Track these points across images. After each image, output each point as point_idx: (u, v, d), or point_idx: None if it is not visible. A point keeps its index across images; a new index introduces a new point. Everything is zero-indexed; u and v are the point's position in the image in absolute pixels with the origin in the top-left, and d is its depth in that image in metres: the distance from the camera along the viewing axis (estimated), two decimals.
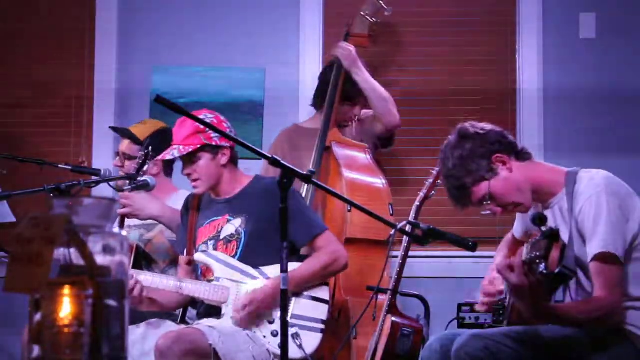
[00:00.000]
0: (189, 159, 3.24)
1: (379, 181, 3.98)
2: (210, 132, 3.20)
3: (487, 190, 2.77)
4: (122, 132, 3.99)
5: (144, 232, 3.78)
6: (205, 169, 3.25)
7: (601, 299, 2.63)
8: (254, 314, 3.14)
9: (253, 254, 3.23)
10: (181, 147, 3.21)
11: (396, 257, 3.66)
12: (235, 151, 3.32)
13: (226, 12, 4.72)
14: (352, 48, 4.12)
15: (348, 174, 3.93)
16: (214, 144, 3.24)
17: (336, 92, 4.09)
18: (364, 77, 4.11)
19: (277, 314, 3.18)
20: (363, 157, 4.07)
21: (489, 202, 2.79)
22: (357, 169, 3.99)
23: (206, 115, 3.26)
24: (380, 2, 4.16)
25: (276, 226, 3.14)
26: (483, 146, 2.78)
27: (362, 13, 4.18)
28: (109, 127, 4.20)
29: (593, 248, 2.65)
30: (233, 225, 3.28)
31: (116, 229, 1.64)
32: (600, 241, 2.63)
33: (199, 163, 3.24)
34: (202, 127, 3.17)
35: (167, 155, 3.23)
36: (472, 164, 2.76)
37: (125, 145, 3.92)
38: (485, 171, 2.76)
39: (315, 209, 3.92)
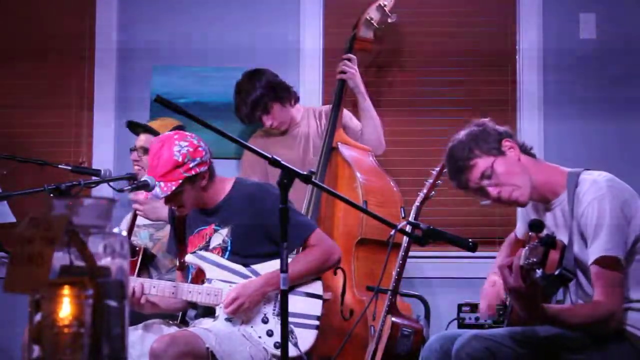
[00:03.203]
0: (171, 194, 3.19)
1: (391, 185, 4.03)
2: (189, 162, 3.14)
3: (491, 164, 2.79)
4: (142, 127, 3.99)
5: (153, 231, 3.79)
6: (188, 198, 3.22)
7: (600, 303, 2.63)
8: (242, 307, 3.14)
9: (239, 259, 3.24)
10: (162, 183, 3.13)
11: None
12: (212, 166, 3.27)
13: (226, 12, 4.71)
14: (355, 70, 4.17)
15: (362, 176, 3.95)
16: (193, 173, 3.17)
17: (341, 100, 4.15)
18: (365, 101, 4.19)
19: (270, 313, 3.19)
20: (369, 159, 4.11)
21: (489, 177, 2.79)
22: (367, 171, 4.02)
23: (180, 145, 3.15)
24: (385, 8, 4.20)
25: (261, 232, 3.19)
26: (495, 130, 2.88)
27: (367, 17, 4.21)
28: (127, 122, 4.17)
29: (594, 251, 2.65)
30: (221, 235, 3.28)
31: (117, 229, 1.63)
32: (602, 244, 2.63)
33: (182, 195, 3.19)
34: (180, 160, 3.12)
35: (150, 195, 3.16)
36: (482, 141, 2.83)
37: (142, 140, 3.93)
38: (493, 148, 2.82)
39: (322, 211, 3.94)
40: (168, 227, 3.75)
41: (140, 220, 3.72)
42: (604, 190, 2.69)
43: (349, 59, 4.18)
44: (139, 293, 3.14)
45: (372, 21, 4.23)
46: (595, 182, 2.73)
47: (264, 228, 3.20)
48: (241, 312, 3.15)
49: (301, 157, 4.18)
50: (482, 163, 2.81)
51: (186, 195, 3.21)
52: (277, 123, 4.20)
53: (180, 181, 3.15)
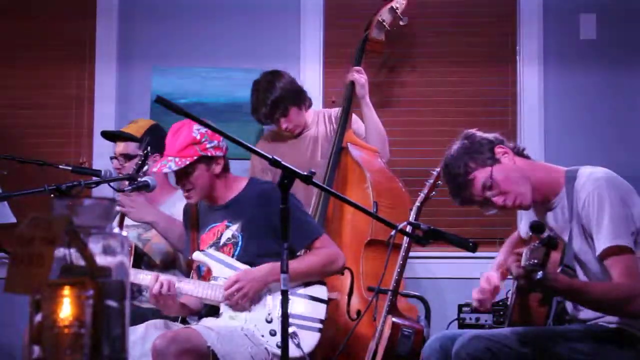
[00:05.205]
0: (184, 170, 3.23)
1: (400, 186, 4.02)
2: (206, 142, 3.20)
3: (489, 174, 2.79)
4: (117, 135, 3.97)
5: (142, 231, 3.78)
6: (200, 179, 3.24)
7: (621, 283, 2.59)
8: (241, 291, 3.14)
9: (249, 257, 3.25)
10: (177, 159, 3.19)
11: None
12: (227, 159, 3.31)
13: (226, 12, 4.72)
14: (365, 78, 4.16)
15: (372, 177, 3.94)
16: (209, 154, 3.22)
17: (351, 102, 4.14)
18: (370, 110, 4.17)
19: (275, 312, 3.19)
20: (378, 161, 4.10)
21: (490, 187, 2.79)
22: (376, 172, 4.01)
23: (199, 127, 3.19)
24: (397, 11, 4.22)
25: (272, 230, 3.19)
26: (485, 139, 2.87)
27: (379, 19, 4.22)
28: (101, 133, 4.16)
29: (602, 242, 2.63)
30: (232, 231, 3.30)
31: (116, 229, 1.63)
32: (609, 234, 2.62)
33: (194, 174, 3.23)
34: (197, 138, 3.18)
35: (164, 168, 3.20)
36: (475, 153, 2.83)
37: (121, 146, 3.91)
38: (488, 158, 2.82)
39: (331, 212, 3.94)
40: None
41: (128, 221, 3.70)
42: (602, 181, 2.69)
43: (359, 72, 4.17)
44: (173, 288, 3.15)
45: (384, 23, 4.24)
46: (592, 174, 2.73)
47: (274, 226, 3.20)
48: (240, 297, 3.15)
49: (308, 159, 4.17)
50: (480, 175, 2.80)
51: (198, 177, 3.23)
52: (292, 126, 4.19)
53: (195, 157, 3.18)
